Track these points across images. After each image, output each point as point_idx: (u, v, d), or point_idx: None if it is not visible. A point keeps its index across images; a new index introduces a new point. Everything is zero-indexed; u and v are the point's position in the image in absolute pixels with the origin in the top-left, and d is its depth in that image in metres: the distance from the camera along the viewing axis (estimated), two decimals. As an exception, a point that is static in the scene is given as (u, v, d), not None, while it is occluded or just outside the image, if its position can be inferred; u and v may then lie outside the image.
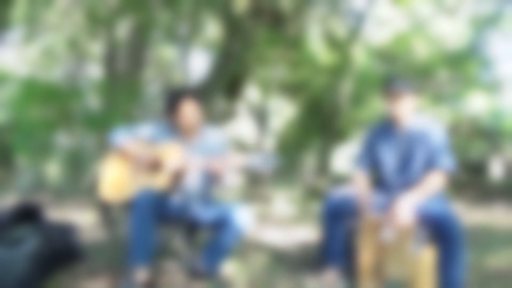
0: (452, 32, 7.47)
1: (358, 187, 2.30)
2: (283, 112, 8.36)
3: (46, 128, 4.69)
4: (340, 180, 5.81)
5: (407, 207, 2.05)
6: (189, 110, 2.27)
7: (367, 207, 2.16)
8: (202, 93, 2.40)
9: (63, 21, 5.99)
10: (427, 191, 2.14)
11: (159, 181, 2.17)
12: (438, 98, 7.33)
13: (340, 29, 7.32)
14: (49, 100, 4.76)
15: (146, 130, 2.33)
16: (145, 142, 2.27)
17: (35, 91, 4.78)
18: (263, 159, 2.19)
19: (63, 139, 5.29)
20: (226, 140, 2.48)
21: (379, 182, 2.39)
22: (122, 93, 4.89)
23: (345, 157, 8.79)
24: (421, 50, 7.20)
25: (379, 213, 2.15)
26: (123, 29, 5.62)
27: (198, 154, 2.27)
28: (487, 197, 6.13)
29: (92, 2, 5.24)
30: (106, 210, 3.35)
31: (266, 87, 7.22)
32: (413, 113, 2.33)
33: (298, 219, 4.28)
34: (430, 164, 2.25)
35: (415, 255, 2.06)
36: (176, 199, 2.27)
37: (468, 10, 7.98)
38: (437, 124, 2.34)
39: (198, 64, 7.45)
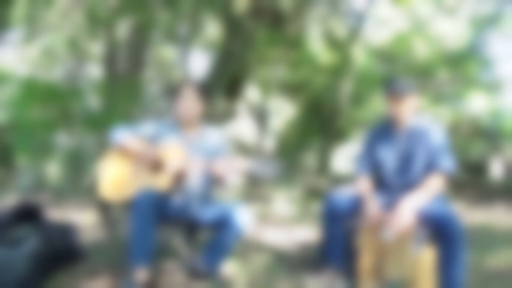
0: (452, 32, 7.47)
1: (363, 192, 2.29)
2: (283, 112, 8.35)
3: (46, 128, 4.68)
4: (340, 180, 5.81)
5: (409, 210, 2.05)
6: (189, 101, 2.31)
7: (373, 212, 2.15)
8: (205, 88, 2.41)
9: (63, 21, 5.99)
10: (428, 194, 2.15)
11: (161, 182, 2.17)
12: (438, 98, 7.33)
13: (340, 29, 7.32)
14: (49, 100, 4.75)
15: (147, 128, 2.34)
16: (146, 141, 2.27)
17: (35, 91, 4.77)
18: (266, 165, 2.20)
19: (63, 139, 5.28)
20: (225, 140, 2.49)
21: (380, 182, 2.39)
22: (122, 93, 4.88)
23: (345, 157, 8.79)
24: (421, 50, 7.20)
25: (380, 213, 2.15)
26: (123, 29, 5.61)
27: (199, 153, 2.27)
28: (487, 197, 6.13)
29: (92, 2, 5.23)
30: (106, 210, 3.35)
31: (266, 87, 7.21)
32: (414, 113, 2.33)
33: (298, 219, 4.28)
34: (430, 165, 2.25)
35: (415, 255, 2.06)
36: (177, 199, 2.27)
37: (468, 10, 7.98)
38: (437, 124, 2.34)
39: (198, 64, 7.43)
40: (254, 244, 3.09)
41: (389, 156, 2.35)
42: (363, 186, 2.32)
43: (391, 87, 2.28)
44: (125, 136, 2.25)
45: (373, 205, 2.18)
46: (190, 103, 2.32)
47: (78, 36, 5.84)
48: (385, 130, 2.40)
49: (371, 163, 2.40)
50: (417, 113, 2.36)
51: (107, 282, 2.20)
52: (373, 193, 2.28)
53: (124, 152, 2.23)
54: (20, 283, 1.98)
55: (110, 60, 5.54)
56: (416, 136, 2.30)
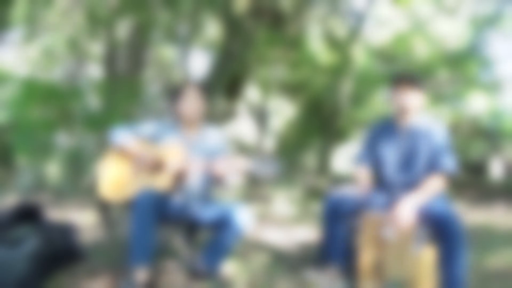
0: (452, 32, 7.47)
1: (361, 183, 2.29)
2: (283, 112, 8.35)
3: (46, 128, 4.68)
4: (340, 180, 5.81)
5: (409, 209, 2.05)
6: (192, 100, 2.32)
7: (370, 204, 2.16)
8: (205, 88, 2.43)
9: (63, 21, 5.99)
10: (429, 193, 2.15)
11: (161, 182, 2.17)
12: (438, 98, 7.33)
13: (340, 29, 7.32)
14: (49, 100, 4.75)
15: (147, 128, 2.34)
16: (146, 141, 2.27)
17: (35, 91, 4.77)
18: (266, 165, 2.20)
19: (63, 139, 5.28)
20: (225, 140, 2.49)
21: (381, 180, 2.39)
22: (122, 93, 4.87)
23: (345, 157, 8.79)
24: (421, 50, 7.20)
25: (380, 212, 2.15)
26: (123, 29, 5.61)
27: (199, 153, 2.28)
28: (487, 197, 6.12)
29: (92, 2, 5.23)
30: (106, 210, 3.35)
31: (266, 87, 7.22)
32: (418, 111, 2.33)
33: (298, 219, 4.28)
34: (432, 165, 2.25)
35: (416, 255, 2.06)
36: (177, 199, 2.27)
37: (468, 10, 7.98)
38: (439, 123, 2.34)
39: (198, 64, 7.43)
40: (254, 244, 3.09)
41: (390, 154, 2.35)
42: (362, 179, 2.33)
43: (398, 79, 2.29)
44: (124, 137, 2.25)
45: (370, 198, 2.19)
46: (193, 103, 2.33)
47: (78, 36, 5.83)
48: (387, 127, 2.40)
49: (371, 160, 2.41)
50: (419, 113, 2.36)
51: (107, 282, 2.20)
52: (371, 187, 2.30)
53: (124, 153, 2.23)
54: (20, 283, 1.98)
55: (110, 60, 5.54)
56: (418, 135, 2.30)
